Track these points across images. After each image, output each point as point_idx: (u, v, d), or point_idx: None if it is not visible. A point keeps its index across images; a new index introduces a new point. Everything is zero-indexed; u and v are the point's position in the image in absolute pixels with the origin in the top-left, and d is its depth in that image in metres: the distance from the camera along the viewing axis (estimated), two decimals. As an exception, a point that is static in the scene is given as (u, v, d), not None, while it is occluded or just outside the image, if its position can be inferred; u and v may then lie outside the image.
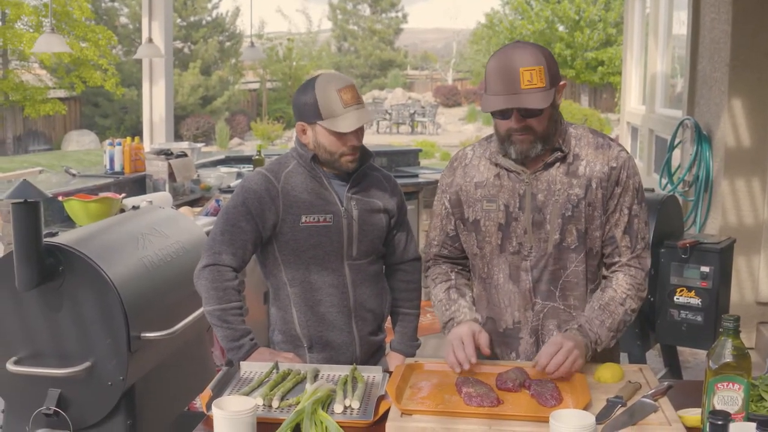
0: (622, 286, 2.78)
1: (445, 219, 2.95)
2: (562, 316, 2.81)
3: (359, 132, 3.08)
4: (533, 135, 2.66)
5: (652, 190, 5.77)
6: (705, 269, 4.99)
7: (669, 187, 7.77)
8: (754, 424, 2.02)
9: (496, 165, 2.81)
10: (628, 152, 2.83)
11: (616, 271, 2.82)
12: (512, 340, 2.88)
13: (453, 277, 2.97)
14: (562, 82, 2.70)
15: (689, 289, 5.04)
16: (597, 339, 2.69)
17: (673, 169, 7.92)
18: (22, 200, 3.17)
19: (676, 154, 7.98)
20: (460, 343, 2.67)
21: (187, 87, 30.61)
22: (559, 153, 2.75)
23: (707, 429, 2.01)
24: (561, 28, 33.53)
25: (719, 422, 1.95)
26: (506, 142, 2.71)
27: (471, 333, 2.71)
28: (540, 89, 2.59)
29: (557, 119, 2.75)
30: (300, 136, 3.13)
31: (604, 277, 2.86)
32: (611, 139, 2.83)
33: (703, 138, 7.05)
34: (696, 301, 5.02)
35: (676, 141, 7.86)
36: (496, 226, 2.81)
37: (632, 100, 13.09)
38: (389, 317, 3.38)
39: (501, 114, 2.66)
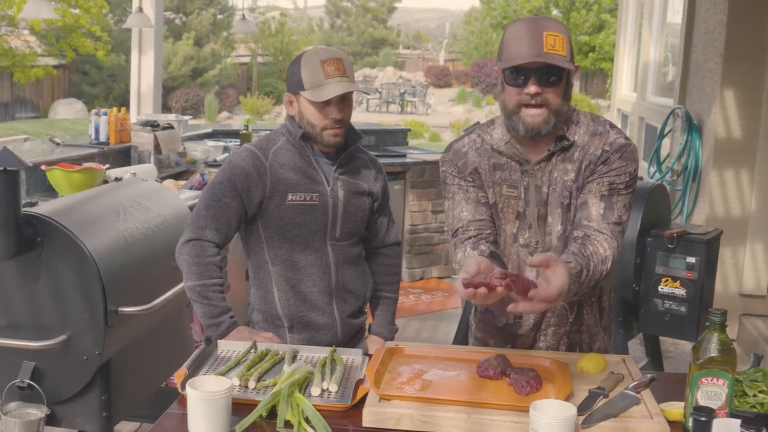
0: (602, 245, 2.54)
1: (471, 190, 2.71)
2: (559, 311, 2.75)
3: (342, 105, 3.02)
4: (547, 108, 2.53)
5: (641, 179, 5.75)
6: (691, 260, 4.97)
7: (657, 175, 7.74)
8: (738, 421, 1.99)
9: (500, 153, 2.69)
10: (627, 139, 2.67)
11: (589, 235, 2.57)
12: (510, 335, 2.84)
13: (474, 244, 2.64)
14: (576, 65, 2.58)
15: (674, 279, 5.02)
16: (577, 291, 2.46)
17: (662, 158, 7.89)
18: (1, 168, 3.12)
19: (666, 142, 7.96)
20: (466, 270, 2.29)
21: (180, 56, 30.42)
22: (566, 142, 2.63)
23: (691, 425, 1.98)
24: (555, 12, 33.50)
25: (703, 419, 1.92)
26: (515, 116, 2.56)
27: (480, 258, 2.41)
28: (562, 56, 2.48)
29: (569, 100, 2.61)
30: (287, 107, 3.11)
31: (574, 239, 2.61)
32: (611, 126, 2.70)
33: (693, 127, 7.02)
34: (681, 291, 5.00)
35: (667, 129, 7.84)
36: (514, 213, 2.70)
37: (623, 87, 13.04)
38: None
39: (517, 79, 2.52)
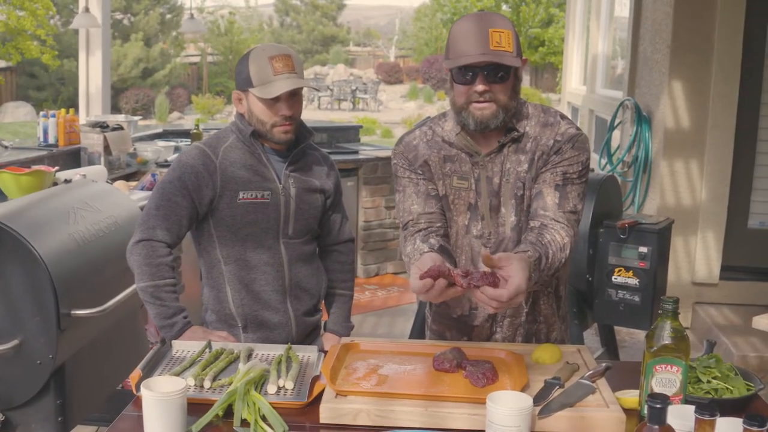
0: (560, 234, 2.57)
1: (421, 183, 2.73)
2: None
3: (292, 102, 3.00)
4: (496, 104, 2.54)
5: (592, 170, 5.79)
6: (643, 249, 5.01)
7: (608, 167, 7.80)
8: (692, 407, 2.01)
9: (450, 145, 2.71)
10: (578, 129, 2.70)
11: (546, 225, 2.59)
12: (466, 327, 2.84)
13: (423, 237, 2.65)
14: (524, 58, 2.58)
15: (627, 269, 5.06)
16: (538, 280, 2.49)
17: (612, 150, 7.96)
18: (-54, 172, 3.07)
19: (616, 134, 8.02)
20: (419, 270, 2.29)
21: (130, 58, 30.14)
22: (515, 133, 2.64)
23: (645, 412, 1.99)
24: (505, 7, 33.66)
25: (658, 405, 1.93)
26: (464, 112, 2.57)
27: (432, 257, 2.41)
28: (508, 53, 2.49)
29: (518, 94, 2.63)
30: (237, 105, 3.09)
31: (531, 229, 2.62)
32: (562, 117, 2.72)
33: (642, 119, 7.08)
34: (634, 281, 5.04)
35: (616, 121, 7.89)
36: (465, 205, 2.71)
37: (573, 81, 13.12)
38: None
39: (464, 77, 2.53)
